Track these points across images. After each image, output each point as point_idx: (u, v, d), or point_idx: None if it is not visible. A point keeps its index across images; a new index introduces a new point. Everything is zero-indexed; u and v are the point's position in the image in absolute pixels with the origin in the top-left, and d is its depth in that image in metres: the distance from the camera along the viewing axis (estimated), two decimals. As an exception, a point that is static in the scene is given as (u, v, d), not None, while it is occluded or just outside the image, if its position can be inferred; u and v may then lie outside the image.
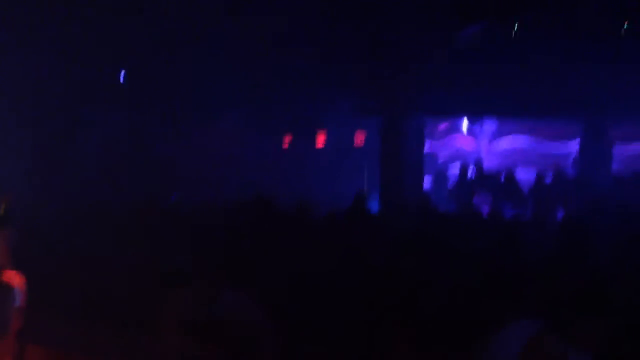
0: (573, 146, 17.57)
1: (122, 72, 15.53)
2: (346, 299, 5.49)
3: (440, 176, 17.97)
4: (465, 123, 19.59)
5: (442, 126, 20.08)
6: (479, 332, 4.44)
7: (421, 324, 4.95)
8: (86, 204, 9.82)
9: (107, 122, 15.45)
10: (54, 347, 4.74)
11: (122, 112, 15.54)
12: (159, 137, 15.96)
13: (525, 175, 16.61)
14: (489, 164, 18.11)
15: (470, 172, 16.82)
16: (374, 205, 14.19)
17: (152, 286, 5.86)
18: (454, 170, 18.54)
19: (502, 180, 15.96)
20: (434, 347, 4.82)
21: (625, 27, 12.05)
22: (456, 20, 12.58)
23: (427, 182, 17.85)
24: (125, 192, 12.32)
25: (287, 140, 18.32)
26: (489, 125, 19.39)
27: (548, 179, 15.45)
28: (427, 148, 18.54)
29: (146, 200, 10.01)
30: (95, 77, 14.47)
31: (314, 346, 5.17)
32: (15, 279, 3.66)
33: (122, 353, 5.29)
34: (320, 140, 18.29)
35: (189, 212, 9.53)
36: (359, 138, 18.38)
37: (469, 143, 19.78)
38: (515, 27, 12.54)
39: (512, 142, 19.19)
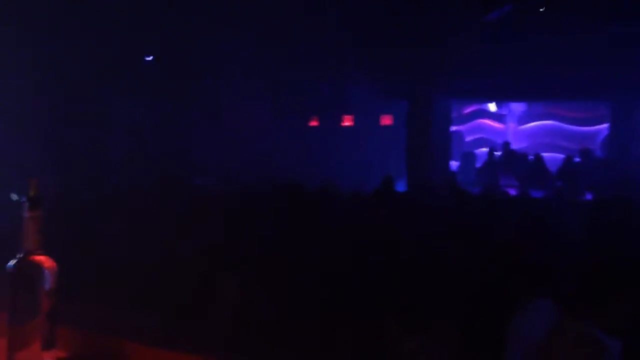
0: (602, 128, 17.45)
1: (148, 59, 15.64)
2: (374, 282, 5.50)
3: (466, 159, 17.92)
4: (492, 106, 19.49)
5: (469, 109, 20.01)
6: (506, 314, 4.44)
7: (447, 305, 4.96)
8: (115, 187, 9.92)
9: (134, 109, 15.56)
10: (85, 329, 4.78)
11: (149, 99, 15.62)
12: (190, 124, 16.06)
13: (553, 157, 16.57)
14: (517, 145, 18.05)
15: (496, 154, 16.78)
16: (401, 187, 14.19)
17: (178, 270, 5.91)
18: (481, 152, 18.51)
19: (529, 161, 15.90)
20: (461, 328, 4.82)
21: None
22: (482, 4, 12.50)
23: (454, 164, 17.85)
24: (152, 177, 12.41)
25: (315, 124, 18.38)
26: (517, 108, 19.28)
27: (576, 161, 15.37)
28: (454, 131, 18.57)
29: (173, 184, 10.07)
30: (123, 64, 14.58)
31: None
32: (46, 262, 3.71)
33: (156, 337, 5.33)
34: (348, 123, 18.31)
35: (216, 196, 9.59)
36: (386, 121, 18.38)
37: (496, 125, 19.70)
38: (541, 10, 12.43)
39: (540, 124, 19.07)
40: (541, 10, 12.43)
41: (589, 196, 13.06)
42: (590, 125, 18.20)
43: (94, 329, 4.80)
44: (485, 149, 17.63)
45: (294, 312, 5.26)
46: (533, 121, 19.19)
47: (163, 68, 15.43)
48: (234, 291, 5.36)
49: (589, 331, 3.36)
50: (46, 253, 3.59)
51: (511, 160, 16.37)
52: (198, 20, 13.80)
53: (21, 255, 3.43)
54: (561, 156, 16.18)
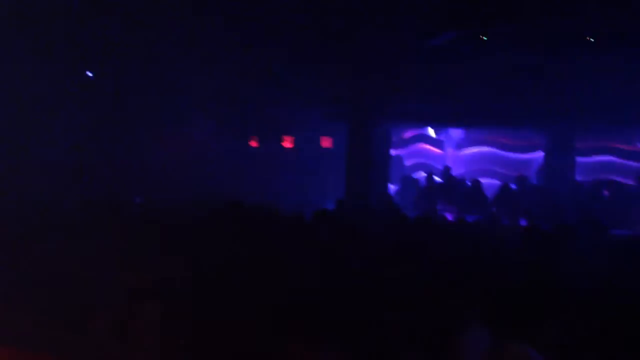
0: (537, 155, 17.81)
1: (92, 74, 15.48)
2: (311, 302, 5.51)
3: (405, 183, 18.13)
4: (431, 131, 19.76)
5: (408, 134, 20.24)
6: (440, 338, 4.50)
7: (381, 326, 4.99)
8: (50, 204, 9.75)
9: (76, 124, 15.35)
10: (21, 347, 4.71)
11: (90, 114, 15.44)
12: (129, 139, 15.89)
13: (489, 183, 16.86)
14: (454, 171, 18.32)
15: (435, 179, 17.00)
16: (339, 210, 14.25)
17: (115, 289, 5.85)
18: (420, 177, 18.73)
19: (467, 187, 16.14)
20: (394, 351, 4.86)
21: (590, 40, 12.25)
22: (424, 29, 12.69)
23: (392, 188, 18.01)
24: (91, 193, 12.24)
25: (255, 144, 18.37)
26: (455, 134, 19.57)
27: (512, 187, 15.67)
28: (393, 155, 18.75)
29: (112, 201, 9.96)
30: (65, 77, 14.40)
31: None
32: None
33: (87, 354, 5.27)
34: (288, 145, 18.35)
35: (155, 214, 9.51)
36: (326, 144, 18.48)
37: (435, 151, 19.95)
38: (482, 37, 12.68)
39: (478, 150, 19.37)
40: (482, 38, 12.68)
41: (523, 222, 13.30)
42: (526, 153, 18.56)
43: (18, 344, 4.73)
44: (424, 174, 17.85)
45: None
46: (471, 147, 19.49)
47: (103, 83, 15.27)
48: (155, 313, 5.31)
49: (525, 352, 3.42)
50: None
51: (449, 186, 16.60)
52: (141, 37, 13.72)
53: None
54: (498, 182, 16.48)
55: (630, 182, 15.08)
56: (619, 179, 15.43)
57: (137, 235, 7.23)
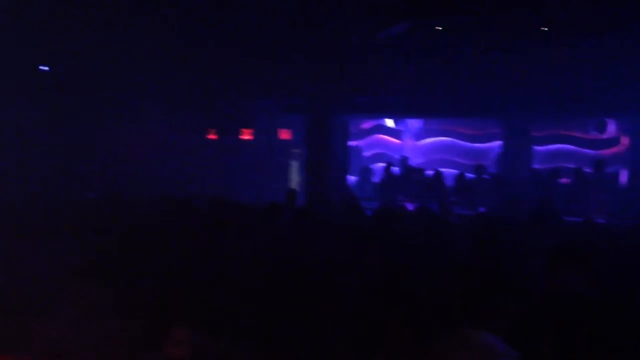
0: (494, 145, 17.95)
1: (44, 69, 15.27)
2: (267, 299, 5.47)
3: (365, 173, 18.17)
4: (389, 122, 19.80)
5: (367, 125, 20.28)
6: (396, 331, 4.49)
7: (337, 321, 4.96)
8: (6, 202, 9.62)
9: (28, 119, 15.14)
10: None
11: (43, 109, 15.24)
12: (81, 134, 15.70)
13: (449, 173, 16.97)
14: (413, 161, 18.40)
15: (393, 170, 17.05)
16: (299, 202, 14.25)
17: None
18: (379, 168, 18.78)
19: (426, 177, 16.21)
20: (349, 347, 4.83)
21: (544, 29, 12.33)
22: (380, 20, 12.69)
23: (351, 179, 18.04)
24: (46, 189, 12.10)
25: (212, 138, 18.25)
26: (413, 124, 19.64)
27: (469, 176, 15.80)
28: (351, 146, 18.77)
29: (65, 196, 9.85)
30: (17, 73, 14.19)
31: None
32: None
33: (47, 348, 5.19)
34: (246, 137, 18.26)
35: (107, 208, 9.42)
36: (284, 136, 18.44)
37: (393, 141, 20.01)
38: (437, 28, 12.71)
39: (436, 140, 19.48)
40: (437, 28, 12.70)
41: (481, 210, 13.40)
42: (483, 142, 18.70)
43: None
44: (382, 164, 17.90)
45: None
46: (429, 137, 19.59)
47: (58, 78, 15.08)
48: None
49: (486, 339, 3.41)
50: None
51: (408, 176, 16.65)
52: (97, 30, 13.55)
53: None
54: (457, 172, 16.59)
55: (586, 169, 15.24)
56: (574, 166, 15.59)
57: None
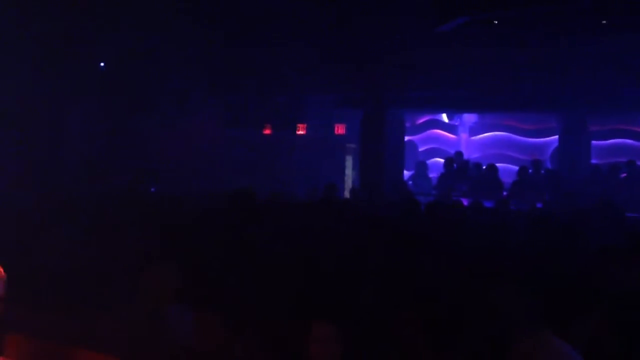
0: (552, 140, 17.72)
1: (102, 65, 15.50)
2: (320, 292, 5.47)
3: (420, 168, 18.06)
4: (444, 117, 19.68)
5: (422, 120, 20.18)
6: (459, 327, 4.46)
7: (397, 315, 4.96)
8: (67, 196, 9.81)
9: (89, 116, 15.41)
10: (35, 336, 4.70)
11: (103, 106, 15.48)
12: (142, 130, 15.91)
13: (504, 168, 16.77)
14: (469, 156, 18.24)
15: (450, 165, 16.91)
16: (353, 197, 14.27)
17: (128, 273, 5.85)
18: (433, 163, 18.68)
19: (482, 172, 16.05)
20: (411, 340, 4.83)
21: (604, 24, 12.14)
22: (436, 15, 12.61)
23: (406, 174, 17.97)
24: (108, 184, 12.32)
25: (268, 133, 18.34)
26: (468, 119, 19.49)
27: (528, 172, 15.58)
28: (407, 141, 18.70)
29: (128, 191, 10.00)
30: (75, 71, 14.41)
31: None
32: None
33: (103, 341, 5.27)
34: (301, 132, 18.31)
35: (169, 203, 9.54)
36: (340, 131, 18.43)
37: (448, 136, 19.88)
38: (495, 22, 12.60)
39: (492, 135, 19.29)
40: (495, 22, 12.59)
41: (539, 206, 13.24)
42: (541, 137, 18.45)
43: (43, 336, 4.73)
44: (438, 159, 17.79)
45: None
46: (485, 132, 19.40)
47: (116, 75, 15.29)
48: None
49: (564, 346, 3.36)
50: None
51: (464, 171, 16.51)
52: (153, 29, 13.71)
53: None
54: (513, 167, 16.39)
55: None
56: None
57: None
